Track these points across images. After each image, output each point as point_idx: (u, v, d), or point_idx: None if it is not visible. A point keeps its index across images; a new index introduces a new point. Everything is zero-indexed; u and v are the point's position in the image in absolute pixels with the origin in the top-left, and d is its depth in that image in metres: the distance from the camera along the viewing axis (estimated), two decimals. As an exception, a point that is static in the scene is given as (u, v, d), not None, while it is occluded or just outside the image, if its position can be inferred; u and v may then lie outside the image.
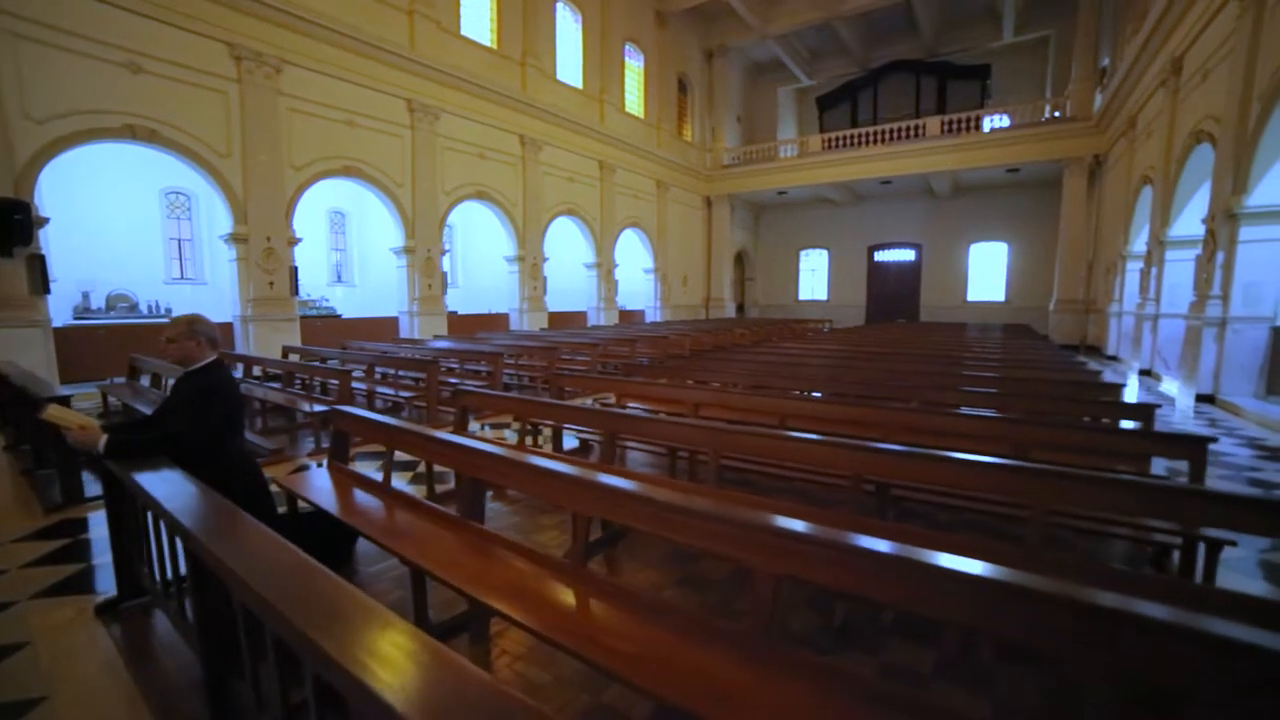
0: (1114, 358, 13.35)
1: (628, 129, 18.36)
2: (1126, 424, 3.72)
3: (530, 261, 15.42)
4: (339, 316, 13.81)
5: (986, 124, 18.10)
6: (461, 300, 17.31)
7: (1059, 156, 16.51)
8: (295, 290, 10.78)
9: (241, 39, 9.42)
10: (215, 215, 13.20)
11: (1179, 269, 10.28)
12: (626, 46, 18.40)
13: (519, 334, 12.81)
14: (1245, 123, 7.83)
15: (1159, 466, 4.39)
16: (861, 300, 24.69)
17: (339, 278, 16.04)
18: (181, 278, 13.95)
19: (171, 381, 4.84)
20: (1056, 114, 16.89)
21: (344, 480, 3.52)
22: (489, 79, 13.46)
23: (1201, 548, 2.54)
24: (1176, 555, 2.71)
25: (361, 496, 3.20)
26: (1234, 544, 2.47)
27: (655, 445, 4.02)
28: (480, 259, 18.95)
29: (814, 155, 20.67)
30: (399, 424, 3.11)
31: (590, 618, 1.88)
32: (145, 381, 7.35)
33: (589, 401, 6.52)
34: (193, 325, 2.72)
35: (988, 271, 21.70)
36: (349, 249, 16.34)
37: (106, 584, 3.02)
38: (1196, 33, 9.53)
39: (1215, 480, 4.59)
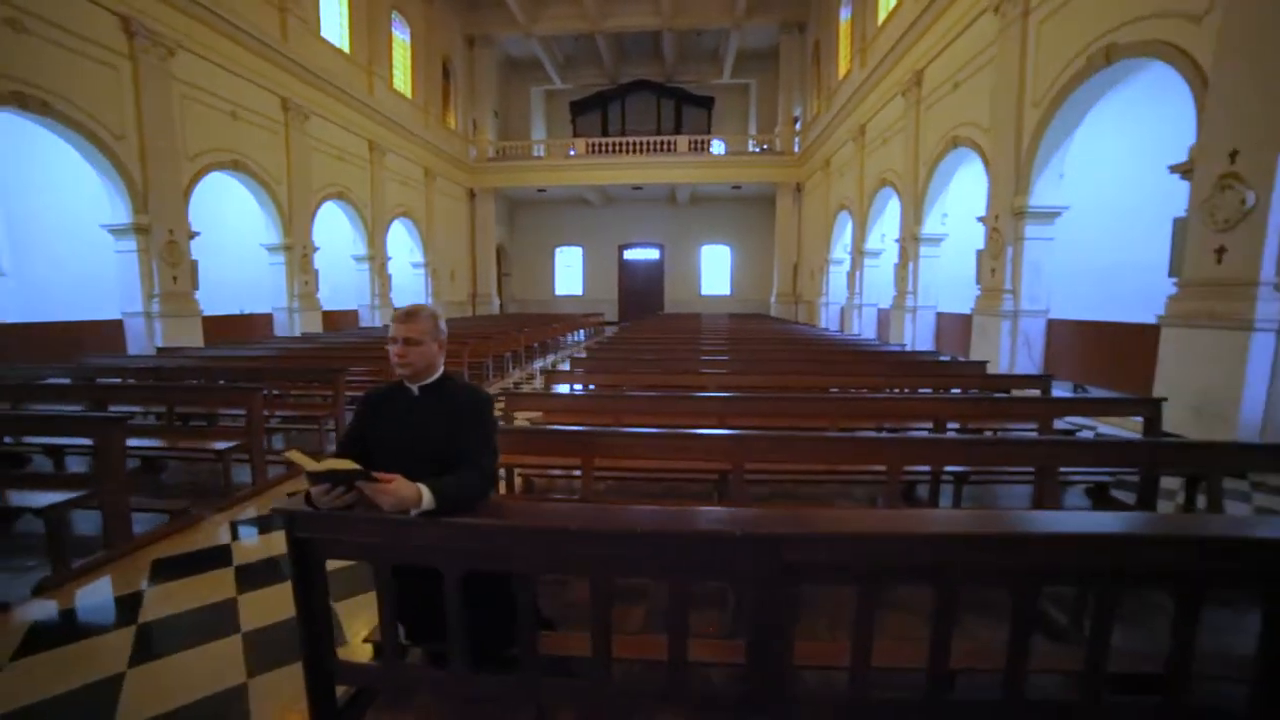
0: (822, 337, 18.07)
1: (397, 107, 16.53)
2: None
3: (300, 252, 12.81)
4: (-1, 323, 9.08)
5: (716, 147, 22.01)
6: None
7: (773, 180, 21.25)
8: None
9: None
10: None
11: (871, 272, 14.62)
12: (394, 15, 16.46)
13: (314, 336, 10.67)
14: (917, 178, 11.69)
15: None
16: (614, 295, 27.06)
17: (-21, 265, 10.17)
18: None
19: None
20: (765, 147, 21.62)
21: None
22: (239, 14, 10.67)
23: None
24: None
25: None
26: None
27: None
28: (219, 248, 14.56)
29: (579, 158, 21.88)
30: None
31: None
32: None
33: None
34: (438, 320, 2.10)
35: (716, 270, 26.31)
36: (-6, 222, 10.50)
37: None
38: (876, 110, 13.63)
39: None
